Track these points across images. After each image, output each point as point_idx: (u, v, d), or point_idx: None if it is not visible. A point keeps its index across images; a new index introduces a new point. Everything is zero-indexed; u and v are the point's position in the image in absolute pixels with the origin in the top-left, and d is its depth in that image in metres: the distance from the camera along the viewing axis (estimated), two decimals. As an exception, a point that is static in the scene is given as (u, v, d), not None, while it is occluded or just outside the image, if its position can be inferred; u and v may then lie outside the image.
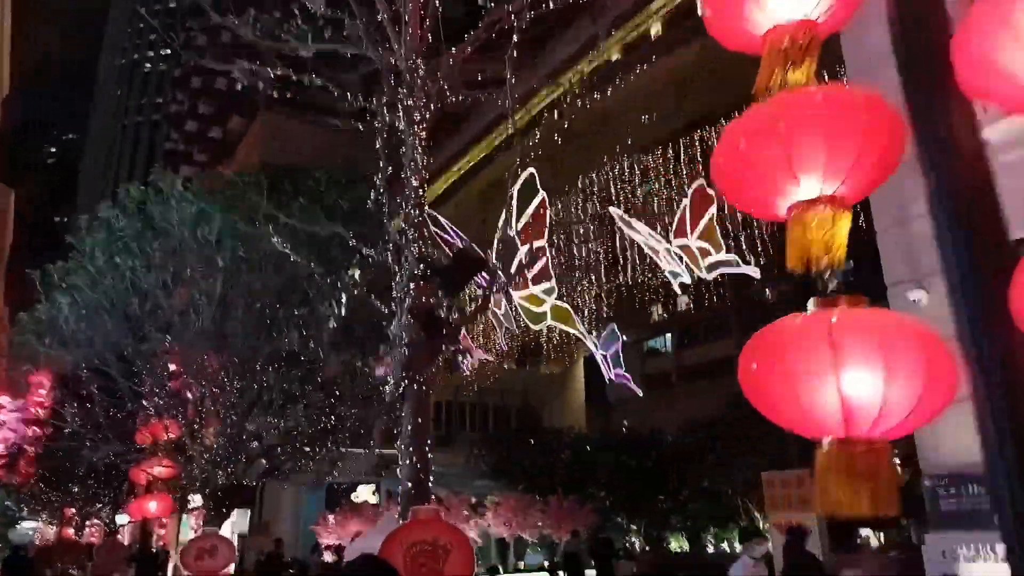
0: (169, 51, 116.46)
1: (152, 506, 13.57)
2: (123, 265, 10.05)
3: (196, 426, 10.48)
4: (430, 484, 6.38)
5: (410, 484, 6.23)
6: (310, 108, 41.27)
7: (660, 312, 72.42)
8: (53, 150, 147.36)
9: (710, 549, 29.42)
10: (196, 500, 28.54)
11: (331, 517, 32.52)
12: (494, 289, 7.11)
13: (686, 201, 24.89)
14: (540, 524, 27.93)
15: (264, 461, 11.50)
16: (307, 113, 38.09)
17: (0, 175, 37.69)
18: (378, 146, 7.15)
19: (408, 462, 6.26)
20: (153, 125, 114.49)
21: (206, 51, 62.37)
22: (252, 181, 10.36)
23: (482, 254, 7.78)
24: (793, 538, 11.52)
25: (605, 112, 29.63)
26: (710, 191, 25.51)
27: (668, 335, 72.01)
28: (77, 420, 10.82)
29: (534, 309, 31.51)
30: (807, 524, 12.08)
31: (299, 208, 7.53)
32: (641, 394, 29.91)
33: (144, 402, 11.42)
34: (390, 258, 7.34)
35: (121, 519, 26.07)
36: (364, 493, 40.61)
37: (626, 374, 27.76)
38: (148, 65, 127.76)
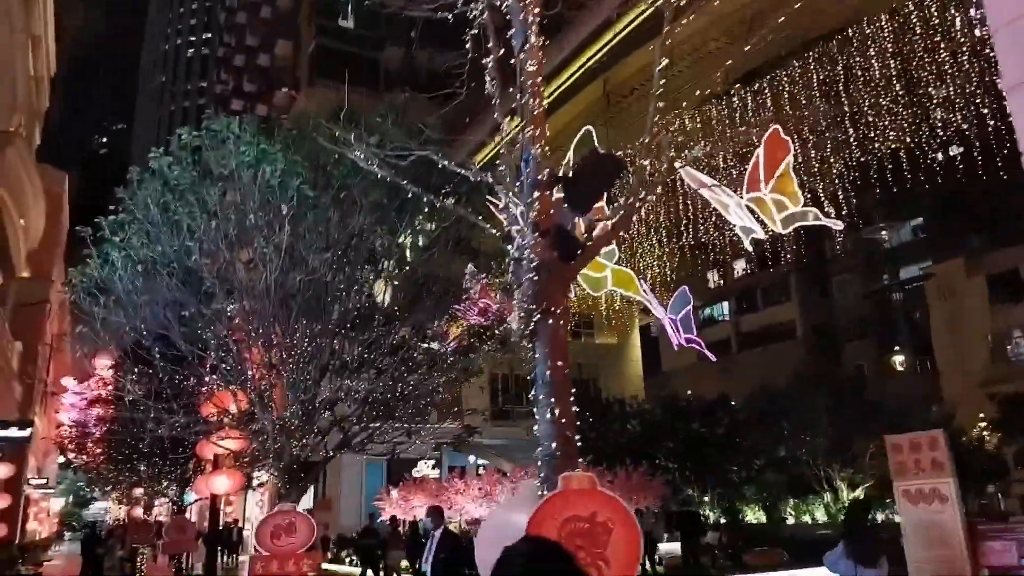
0: (210, 33, 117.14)
1: (221, 482, 12.89)
2: (180, 215, 9.17)
3: (266, 393, 9.62)
4: (577, 444, 5.26)
5: (553, 444, 5.09)
6: (356, 75, 40.34)
7: (717, 279, 70.57)
8: (104, 140, 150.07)
9: (789, 521, 28.07)
10: (261, 476, 28.29)
11: (394, 492, 32.16)
12: (641, 199, 5.92)
13: (759, 150, 23.22)
14: (610, 496, 26.86)
15: (338, 432, 10.62)
16: (354, 82, 37.08)
17: (52, 159, 37.66)
18: (477, 24, 5.98)
19: (549, 416, 5.15)
20: (199, 108, 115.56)
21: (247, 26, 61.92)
22: (316, 118, 9.40)
23: (619, 157, 6.46)
24: (855, 506, 10.99)
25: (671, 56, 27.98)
26: (785, 137, 23.73)
27: (725, 303, 70.20)
28: (139, 390, 10.02)
29: (593, 275, 30.12)
30: (943, 490, 10.66)
31: (380, 128, 6.48)
32: (715, 359, 28.59)
33: (208, 368, 10.57)
34: (491, 177, 6.23)
35: (189, 497, 25.82)
36: (424, 468, 40.32)
37: (698, 338, 26.42)
38: (191, 50, 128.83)
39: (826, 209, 25.89)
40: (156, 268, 9.48)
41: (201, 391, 13.65)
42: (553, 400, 5.14)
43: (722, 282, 70.89)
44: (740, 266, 68.43)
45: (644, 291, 29.12)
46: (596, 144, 31.81)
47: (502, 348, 11.69)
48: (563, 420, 5.16)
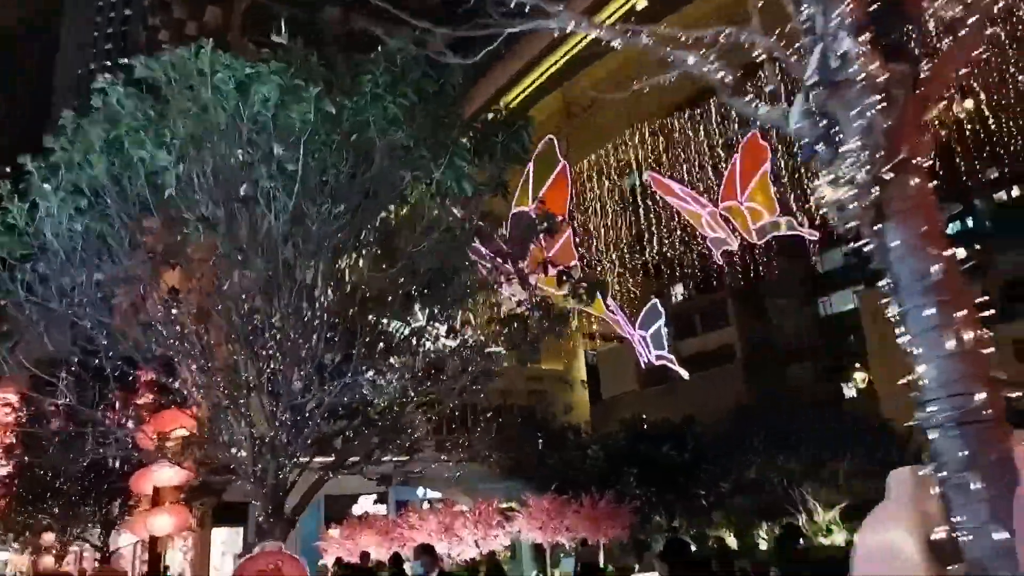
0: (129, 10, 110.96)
1: (162, 521, 10.64)
2: (134, 158, 7.05)
3: (242, 399, 7.51)
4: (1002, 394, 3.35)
5: (979, 395, 3.06)
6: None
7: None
8: (8, 170, 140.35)
9: (762, 546, 26.94)
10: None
11: (335, 531, 29.45)
12: None
13: (736, 156, 22.39)
14: (577, 527, 25.14)
15: (327, 448, 8.57)
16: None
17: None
18: None
19: (953, 343, 3.19)
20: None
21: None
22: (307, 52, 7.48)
23: None
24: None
25: (629, 67, 27.14)
26: (763, 143, 22.95)
27: (664, 328, 70.09)
28: (68, 400, 7.72)
29: (556, 293, 28.71)
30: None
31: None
32: (687, 376, 27.52)
33: (161, 368, 8.21)
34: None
35: (124, 539, 22.27)
36: (366, 504, 37.56)
37: (669, 355, 25.34)
38: (109, 44, 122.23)
39: (799, 219, 25.30)
40: (106, 221, 7.30)
41: (142, 402, 11.21)
42: (958, 318, 3.22)
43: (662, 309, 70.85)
44: (679, 291, 68.78)
45: (611, 308, 27.92)
46: (558, 155, 30.21)
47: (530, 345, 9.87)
48: (980, 349, 3.26)
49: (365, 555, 21.28)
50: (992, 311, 3.46)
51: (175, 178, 6.74)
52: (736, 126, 26.16)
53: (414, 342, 8.31)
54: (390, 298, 7.83)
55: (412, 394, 8.45)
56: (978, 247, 50.70)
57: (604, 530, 25.32)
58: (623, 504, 26.00)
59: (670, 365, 25.10)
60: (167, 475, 9.40)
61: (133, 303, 7.51)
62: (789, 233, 24.28)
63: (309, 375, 7.31)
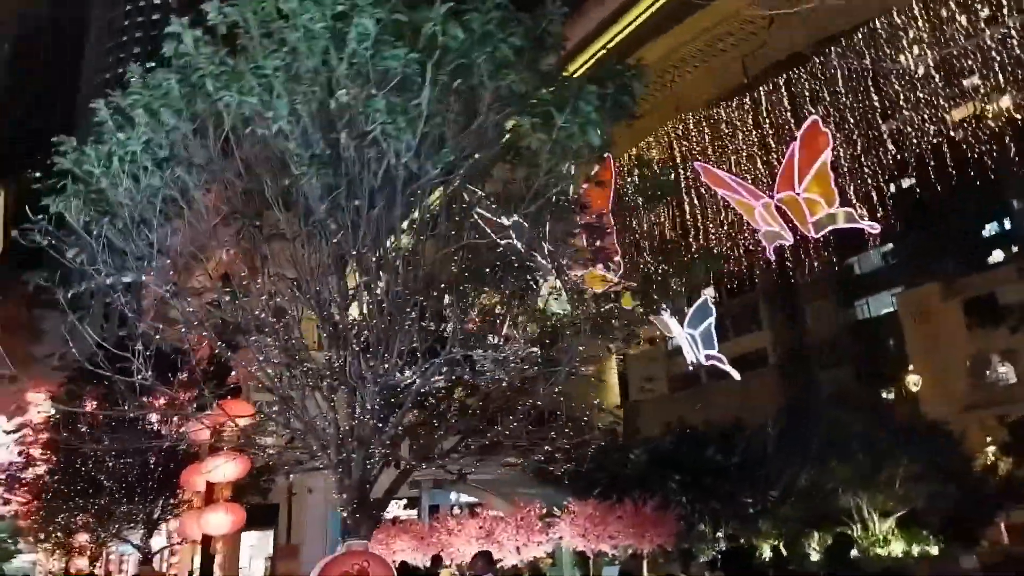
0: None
1: (218, 519, 9.94)
2: (218, 105, 6.36)
3: (324, 380, 6.75)
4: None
5: None
6: None
7: (686, 307, 69.55)
8: (38, 176, 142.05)
9: (813, 557, 25.86)
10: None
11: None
12: None
13: (794, 144, 21.42)
14: (621, 535, 24.24)
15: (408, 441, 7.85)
16: None
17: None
18: None
19: None
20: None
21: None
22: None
23: None
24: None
25: (676, 56, 26.23)
26: (824, 130, 22.02)
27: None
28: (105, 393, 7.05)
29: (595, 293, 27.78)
30: None
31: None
32: (738, 376, 26.53)
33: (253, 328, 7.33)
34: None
35: (153, 542, 21.50)
36: (394, 509, 36.98)
37: (720, 355, 24.34)
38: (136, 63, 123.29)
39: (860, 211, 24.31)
40: (187, 174, 6.58)
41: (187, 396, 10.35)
42: None
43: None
44: (708, 293, 67.66)
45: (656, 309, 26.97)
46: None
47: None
48: None
49: (437, 559, 20.39)
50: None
51: (285, 110, 6.01)
52: (788, 114, 25.30)
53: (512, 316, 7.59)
54: (498, 263, 7.12)
55: (505, 380, 7.71)
56: (1016, 249, 49.39)
57: (650, 538, 24.41)
58: (667, 511, 25.11)
59: (720, 365, 24.06)
60: (224, 469, 8.72)
61: (204, 274, 6.86)
62: (847, 226, 23.27)
63: (401, 354, 6.59)
